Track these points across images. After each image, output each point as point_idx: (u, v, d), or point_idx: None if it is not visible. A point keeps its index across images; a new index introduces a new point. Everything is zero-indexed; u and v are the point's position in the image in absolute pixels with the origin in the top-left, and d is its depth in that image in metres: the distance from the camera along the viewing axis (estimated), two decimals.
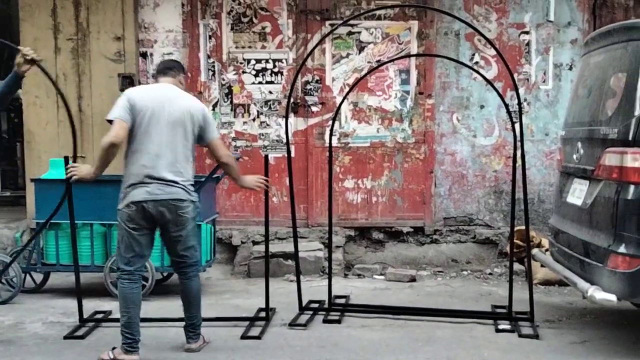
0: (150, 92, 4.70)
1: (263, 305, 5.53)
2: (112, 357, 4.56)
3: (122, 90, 7.43)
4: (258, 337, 5.04)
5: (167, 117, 4.54)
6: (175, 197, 4.54)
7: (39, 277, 6.54)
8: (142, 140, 4.51)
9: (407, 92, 7.67)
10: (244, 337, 5.06)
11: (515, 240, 5.92)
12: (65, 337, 5.07)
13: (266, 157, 5.38)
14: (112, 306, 5.83)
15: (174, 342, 4.94)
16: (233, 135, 7.72)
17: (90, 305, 5.80)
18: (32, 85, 7.53)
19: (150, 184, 4.50)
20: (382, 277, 7.11)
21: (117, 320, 5.41)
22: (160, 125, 4.52)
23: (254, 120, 7.74)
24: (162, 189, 4.51)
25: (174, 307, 5.56)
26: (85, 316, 5.43)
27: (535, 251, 5.91)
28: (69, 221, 5.48)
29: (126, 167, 4.59)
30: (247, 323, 5.34)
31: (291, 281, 6.75)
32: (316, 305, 5.85)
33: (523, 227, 5.67)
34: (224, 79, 7.72)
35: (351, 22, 7.42)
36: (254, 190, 5.21)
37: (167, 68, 4.83)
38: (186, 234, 4.68)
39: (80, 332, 5.15)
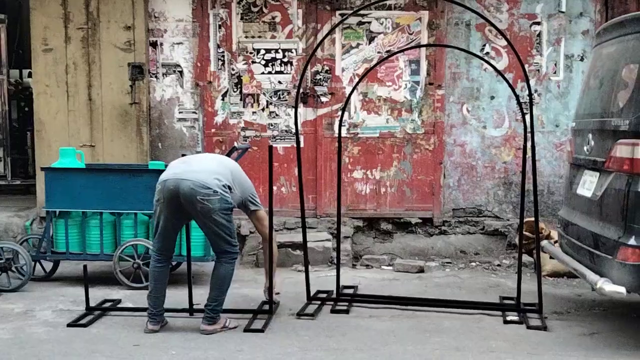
0: None
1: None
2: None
3: (131, 79, 7.49)
4: (261, 330, 4.99)
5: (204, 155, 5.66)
6: (198, 182, 4.75)
7: (48, 265, 6.58)
8: None
9: (417, 83, 7.64)
10: (247, 330, 5.01)
11: (524, 232, 5.90)
12: (69, 325, 5.08)
13: (270, 147, 5.37)
14: (121, 295, 5.86)
15: (182, 330, 4.97)
16: (242, 125, 7.72)
17: (100, 294, 5.83)
18: (43, 74, 7.56)
19: (179, 167, 4.96)
20: (391, 267, 7.11)
21: (125, 309, 5.46)
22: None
23: (263, 110, 7.73)
24: (189, 173, 4.82)
25: (179, 295, 5.56)
26: (94, 304, 5.46)
27: (544, 243, 5.89)
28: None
29: None
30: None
31: (299, 271, 6.76)
32: (324, 295, 5.86)
33: (532, 219, 5.65)
34: (233, 69, 7.71)
35: (361, 12, 7.38)
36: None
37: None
38: (212, 224, 4.83)
39: (84, 321, 5.15)
